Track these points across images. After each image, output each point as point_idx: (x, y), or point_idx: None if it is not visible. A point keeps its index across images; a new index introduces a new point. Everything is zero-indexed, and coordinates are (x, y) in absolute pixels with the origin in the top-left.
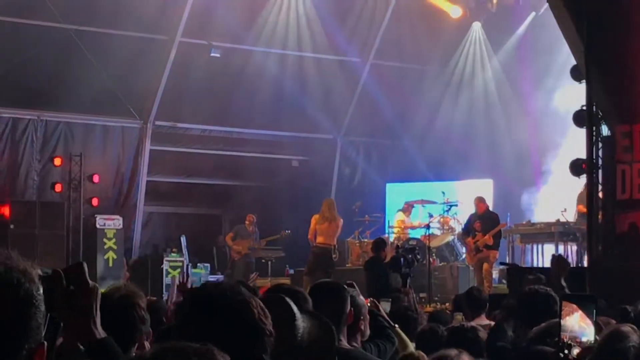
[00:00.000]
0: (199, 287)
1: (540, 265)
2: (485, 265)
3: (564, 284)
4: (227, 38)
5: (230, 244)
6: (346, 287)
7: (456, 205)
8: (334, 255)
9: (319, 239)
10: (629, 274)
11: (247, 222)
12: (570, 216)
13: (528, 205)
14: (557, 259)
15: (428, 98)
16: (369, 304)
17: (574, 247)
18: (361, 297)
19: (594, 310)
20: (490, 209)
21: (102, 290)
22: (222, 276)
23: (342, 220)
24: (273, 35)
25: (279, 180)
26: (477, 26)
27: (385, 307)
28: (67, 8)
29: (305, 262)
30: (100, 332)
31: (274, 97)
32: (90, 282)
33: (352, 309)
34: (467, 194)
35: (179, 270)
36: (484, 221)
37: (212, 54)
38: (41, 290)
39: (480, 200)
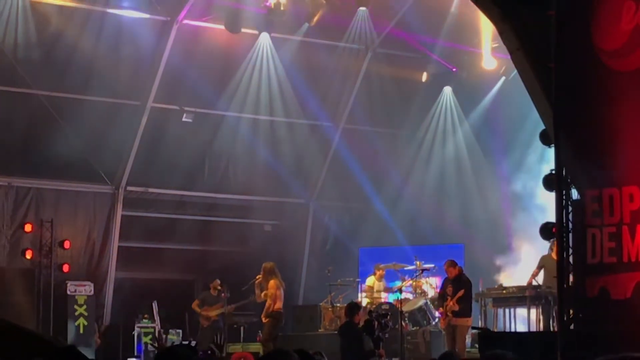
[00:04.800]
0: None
1: (512, 329)
2: (458, 335)
3: None
4: (199, 103)
5: (198, 310)
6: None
7: (428, 270)
8: None
9: (279, 305)
10: (599, 339)
11: (211, 288)
12: (540, 279)
13: (500, 269)
14: None
15: (400, 162)
16: None
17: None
18: None
19: None
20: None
21: None
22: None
23: None
24: (245, 99)
25: (251, 245)
26: (447, 90)
27: None
28: (39, 74)
29: (271, 329)
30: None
31: (246, 162)
32: None
33: None
34: (439, 259)
35: (150, 336)
36: (455, 286)
37: (184, 119)
38: None
39: (449, 265)
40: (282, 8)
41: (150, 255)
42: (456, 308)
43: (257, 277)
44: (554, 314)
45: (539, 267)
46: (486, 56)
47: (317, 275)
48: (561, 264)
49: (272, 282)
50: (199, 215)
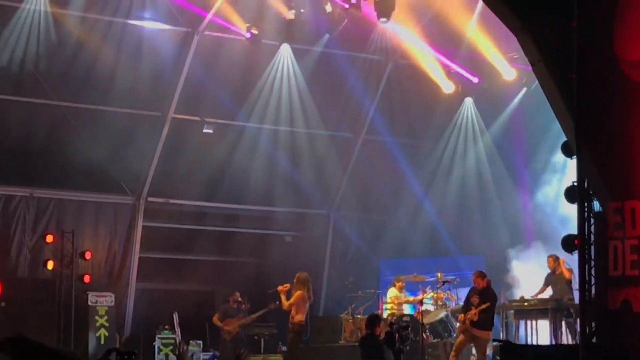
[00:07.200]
0: None
1: (534, 342)
2: (477, 348)
3: None
4: (220, 114)
5: (220, 324)
6: None
7: (449, 282)
8: None
9: (300, 317)
10: (622, 351)
11: (231, 301)
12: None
13: (521, 281)
14: None
15: (421, 173)
16: None
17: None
18: None
19: None
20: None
21: None
22: (211, 353)
23: None
24: (265, 110)
25: (271, 256)
26: (469, 101)
27: None
28: (60, 85)
29: (293, 342)
30: None
31: (266, 173)
32: None
33: None
34: (460, 270)
35: (171, 347)
36: (481, 297)
37: (204, 130)
38: None
39: (478, 275)
40: (302, 19)
41: (171, 266)
42: (475, 318)
43: (286, 285)
44: (577, 327)
45: (545, 285)
46: (506, 67)
47: (338, 286)
48: (583, 276)
49: (297, 293)
50: (220, 226)
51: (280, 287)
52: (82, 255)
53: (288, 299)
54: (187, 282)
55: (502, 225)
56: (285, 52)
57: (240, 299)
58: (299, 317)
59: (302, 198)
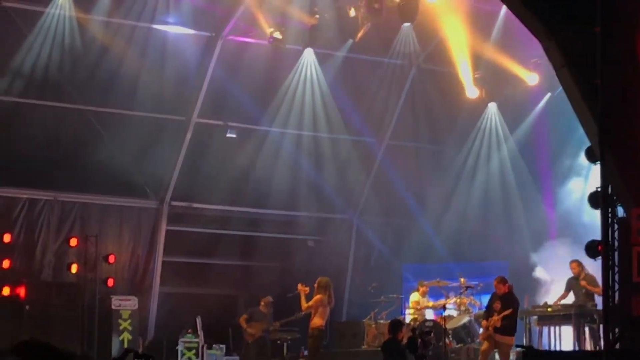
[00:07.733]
0: None
1: (557, 348)
2: (501, 354)
3: None
4: (243, 118)
5: (244, 326)
6: None
7: (472, 288)
8: None
9: (319, 322)
10: None
11: (262, 304)
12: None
13: (544, 286)
14: None
15: (444, 178)
16: None
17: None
18: None
19: None
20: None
21: None
22: (237, 357)
23: None
24: (289, 115)
25: (294, 260)
26: (492, 107)
27: None
28: (84, 89)
29: (313, 347)
30: None
31: (290, 178)
32: None
33: None
34: (484, 276)
35: (194, 351)
36: (503, 303)
37: (228, 135)
38: None
39: (499, 281)
40: (326, 24)
41: (194, 270)
42: (498, 324)
43: (306, 288)
44: (600, 333)
45: (567, 290)
46: (529, 72)
47: (361, 291)
48: (606, 282)
49: (317, 297)
50: (243, 231)
51: (300, 287)
52: (106, 259)
53: (308, 300)
54: (210, 287)
55: (526, 231)
56: (308, 56)
57: (264, 302)
58: (317, 322)
59: (325, 203)
